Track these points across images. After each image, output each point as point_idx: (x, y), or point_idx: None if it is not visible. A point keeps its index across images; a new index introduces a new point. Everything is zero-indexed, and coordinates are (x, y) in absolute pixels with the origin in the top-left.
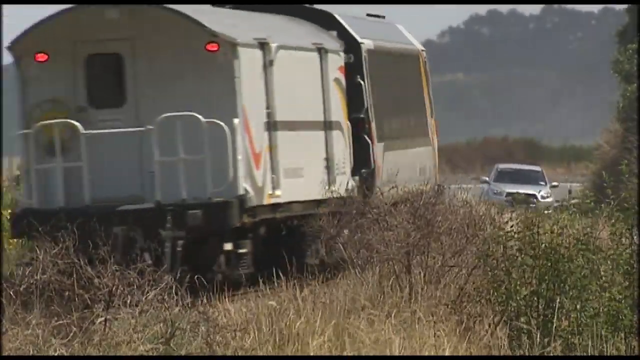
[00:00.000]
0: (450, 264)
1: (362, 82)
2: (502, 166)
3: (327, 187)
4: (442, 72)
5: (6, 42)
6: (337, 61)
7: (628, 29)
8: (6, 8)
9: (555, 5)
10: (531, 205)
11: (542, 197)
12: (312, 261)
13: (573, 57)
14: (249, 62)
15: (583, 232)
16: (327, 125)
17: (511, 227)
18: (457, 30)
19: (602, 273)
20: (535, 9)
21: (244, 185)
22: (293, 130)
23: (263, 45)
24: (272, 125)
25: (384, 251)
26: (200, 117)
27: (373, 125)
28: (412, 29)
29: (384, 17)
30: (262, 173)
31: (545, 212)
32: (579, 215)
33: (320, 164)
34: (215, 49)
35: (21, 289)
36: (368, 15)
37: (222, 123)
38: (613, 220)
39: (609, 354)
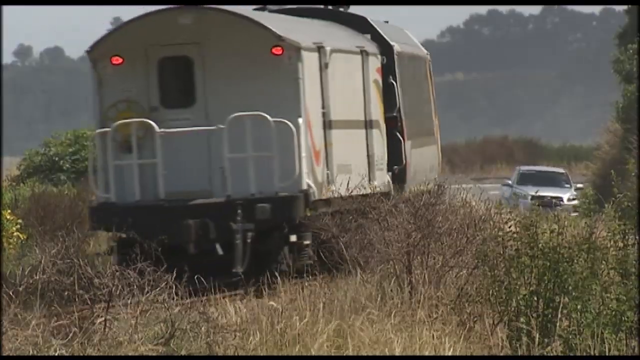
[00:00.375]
0: (450, 264)
1: (394, 83)
2: (524, 168)
3: (369, 182)
4: (442, 71)
5: (6, 42)
6: (375, 63)
7: (628, 30)
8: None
9: (555, 6)
10: (557, 208)
11: (569, 200)
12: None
13: (573, 58)
14: (309, 64)
15: (584, 232)
16: (369, 124)
17: (510, 227)
18: (457, 30)
19: (603, 273)
20: (535, 9)
21: (307, 181)
22: (343, 129)
23: (320, 49)
24: (327, 124)
25: (385, 251)
26: (268, 116)
27: (404, 123)
28: (412, 29)
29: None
30: (321, 169)
31: (573, 214)
32: (579, 215)
33: (364, 160)
34: (280, 52)
35: (21, 289)
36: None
37: (288, 122)
38: (615, 220)
39: (608, 355)
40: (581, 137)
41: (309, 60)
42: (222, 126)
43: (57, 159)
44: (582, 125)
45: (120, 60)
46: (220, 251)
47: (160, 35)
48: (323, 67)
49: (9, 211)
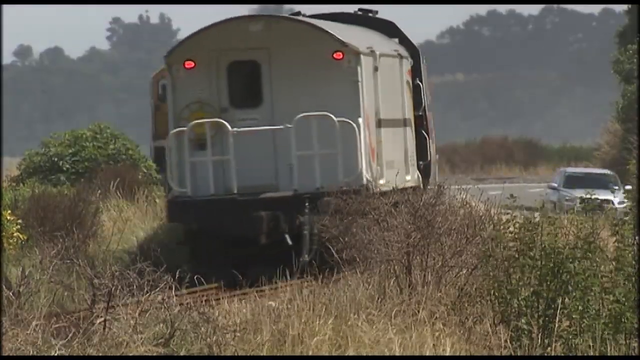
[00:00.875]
0: (450, 265)
1: (420, 84)
2: (570, 170)
3: (406, 177)
4: (442, 72)
5: (6, 42)
6: (407, 65)
7: (627, 30)
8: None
9: (555, 6)
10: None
11: (619, 203)
12: None
13: (573, 58)
14: (365, 68)
15: (585, 233)
16: (404, 122)
17: (508, 227)
18: (456, 30)
19: (604, 274)
20: (534, 9)
21: (366, 176)
22: (389, 127)
23: (372, 53)
24: (378, 123)
25: (385, 251)
26: (332, 116)
27: (430, 122)
28: (411, 29)
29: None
30: (376, 165)
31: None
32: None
33: (402, 157)
34: (341, 57)
35: (21, 289)
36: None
37: (351, 121)
38: (616, 221)
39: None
40: (581, 138)
41: (366, 64)
42: (289, 125)
43: (56, 159)
44: (582, 125)
45: (193, 64)
46: (289, 241)
47: (231, 41)
48: (374, 70)
49: (9, 211)
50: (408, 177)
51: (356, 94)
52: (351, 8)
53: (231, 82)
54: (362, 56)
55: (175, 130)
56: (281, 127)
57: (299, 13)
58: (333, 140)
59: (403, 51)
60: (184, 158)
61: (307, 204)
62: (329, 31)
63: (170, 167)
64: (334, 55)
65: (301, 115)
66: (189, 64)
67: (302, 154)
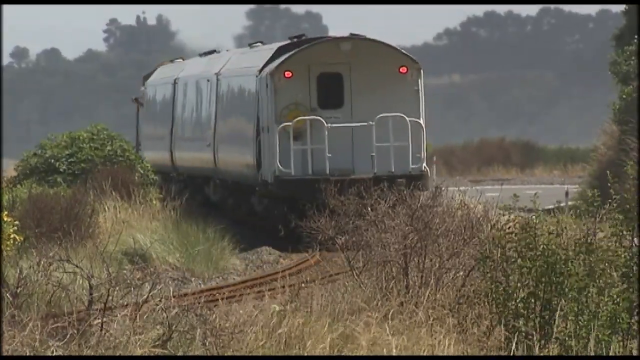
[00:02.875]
0: (447, 266)
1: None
2: None
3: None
4: (439, 73)
5: (6, 42)
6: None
7: (625, 31)
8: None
9: (552, 7)
10: None
11: None
12: None
13: (570, 59)
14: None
15: (581, 234)
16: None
17: (509, 228)
18: (453, 32)
19: (600, 275)
20: (532, 10)
21: (425, 164)
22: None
23: (420, 68)
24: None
25: (382, 253)
26: (404, 116)
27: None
28: (408, 31)
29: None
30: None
31: None
32: (575, 217)
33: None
34: (405, 71)
35: (18, 290)
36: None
37: (420, 121)
38: (614, 222)
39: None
40: (579, 139)
41: (422, 76)
42: (372, 123)
43: (53, 160)
44: (580, 126)
45: (290, 74)
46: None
47: (321, 57)
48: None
49: (6, 213)
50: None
51: (417, 100)
52: (345, 9)
53: (319, 88)
54: (422, 70)
55: (281, 125)
56: (365, 123)
57: (301, 36)
58: (405, 135)
59: (416, 65)
60: (289, 146)
61: (384, 183)
62: (398, 48)
63: (274, 153)
64: (400, 70)
65: (380, 115)
66: (288, 74)
67: (380, 146)
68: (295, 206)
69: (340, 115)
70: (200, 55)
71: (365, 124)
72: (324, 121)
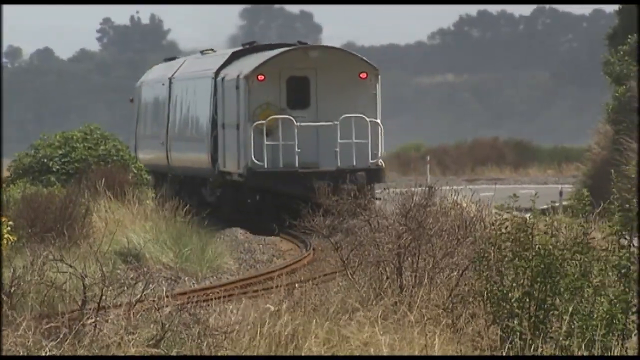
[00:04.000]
0: (441, 266)
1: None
2: None
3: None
4: (432, 73)
5: (6, 41)
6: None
7: (618, 31)
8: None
9: (546, 7)
10: None
11: None
12: None
13: (564, 59)
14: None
15: (577, 234)
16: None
17: (505, 228)
18: (447, 31)
19: (597, 275)
20: (525, 10)
21: (381, 160)
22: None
23: (378, 74)
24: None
25: (375, 253)
26: (365, 116)
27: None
28: (402, 30)
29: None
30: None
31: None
32: (571, 216)
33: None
34: (365, 76)
35: (12, 290)
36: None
37: (377, 120)
38: (613, 222)
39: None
40: (573, 139)
41: (380, 81)
42: (336, 122)
43: (45, 160)
44: (574, 126)
45: (263, 77)
46: None
47: (291, 63)
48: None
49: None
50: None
51: (375, 102)
52: (337, 9)
53: (288, 91)
54: (379, 76)
55: (255, 123)
56: (330, 123)
57: (252, 43)
58: (364, 133)
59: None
60: (262, 142)
61: (347, 176)
62: (359, 56)
63: (248, 149)
64: (361, 75)
65: (344, 115)
66: (261, 77)
67: (343, 142)
68: (268, 197)
69: (306, 115)
70: (165, 60)
71: (331, 123)
72: (293, 120)
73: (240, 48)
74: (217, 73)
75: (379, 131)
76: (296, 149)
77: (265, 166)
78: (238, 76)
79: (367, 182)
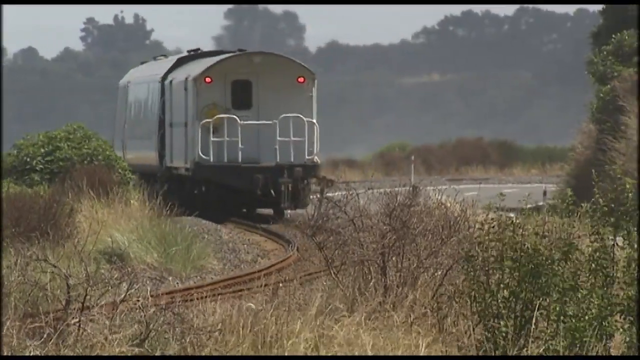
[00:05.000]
0: (425, 265)
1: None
2: None
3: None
4: (417, 73)
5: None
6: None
7: (602, 31)
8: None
9: (530, 6)
10: None
11: None
12: None
13: (548, 58)
14: (316, 87)
15: (566, 234)
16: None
17: (492, 227)
18: (431, 30)
19: (588, 276)
20: (509, 10)
21: (316, 157)
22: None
23: (315, 78)
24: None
25: (360, 252)
26: (302, 116)
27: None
28: (386, 29)
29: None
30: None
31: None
32: (555, 217)
33: None
34: (303, 80)
35: None
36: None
37: (313, 120)
38: (596, 222)
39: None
40: (557, 138)
41: (317, 85)
42: (275, 121)
43: (29, 159)
44: (558, 126)
45: (210, 79)
46: (273, 194)
47: (236, 67)
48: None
49: None
50: None
51: (311, 103)
52: (321, 9)
53: (233, 92)
54: (315, 80)
55: (203, 122)
56: (270, 122)
57: (198, 49)
58: (302, 132)
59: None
60: (208, 139)
61: (285, 171)
62: (297, 62)
63: (195, 144)
64: (299, 79)
65: (283, 115)
66: (208, 80)
67: (282, 140)
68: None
69: (249, 115)
70: (141, 63)
71: (271, 122)
72: (237, 119)
73: (186, 54)
74: (164, 77)
75: (315, 130)
76: (239, 146)
77: (211, 160)
78: (186, 79)
79: (304, 177)
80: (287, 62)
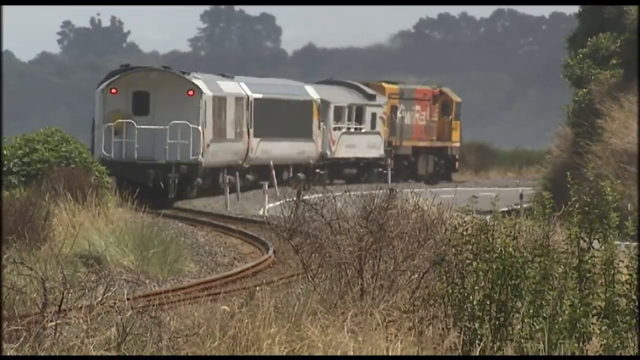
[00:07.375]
0: (402, 268)
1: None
2: None
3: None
4: (394, 76)
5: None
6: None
7: (579, 34)
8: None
9: (506, 9)
10: None
11: None
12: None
13: (524, 62)
14: (208, 101)
15: (538, 236)
16: (240, 134)
17: (466, 230)
18: (407, 33)
19: (557, 277)
20: (485, 13)
21: (202, 157)
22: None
23: (214, 93)
24: (218, 132)
25: (336, 255)
26: (189, 123)
27: None
28: (362, 32)
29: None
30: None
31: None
32: (531, 219)
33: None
34: (192, 94)
35: None
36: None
37: (199, 127)
38: (572, 224)
39: (560, 355)
40: (534, 141)
41: (208, 98)
42: (167, 127)
43: (6, 161)
44: (534, 129)
45: (115, 90)
46: (162, 186)
47: (136, 80)
48: (216, 101)
49: None
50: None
51: (198, 115)
52: (298, 11)
53: (134, 102)
54: (204, 94)
55: (106, 125)
56: (162, 127)
57: (168, 67)
58: (188, 136)
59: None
60: (110, 139)
61: (173, 168)
62: (187, 78)
63: (100, 143)
64: (189, 93)
65: (173, 122)
66: (114, 91)
67: (172, 142)
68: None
69: (146, 120)
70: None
71: (163, 127)
72: (134, 123)
73: (118, 68)
74: (97, 87)
75: (200, 135)
76: (136, 145)
77: (112, 157)
78: (99, 89)
79: (188, 174)
80: (179, 78)
